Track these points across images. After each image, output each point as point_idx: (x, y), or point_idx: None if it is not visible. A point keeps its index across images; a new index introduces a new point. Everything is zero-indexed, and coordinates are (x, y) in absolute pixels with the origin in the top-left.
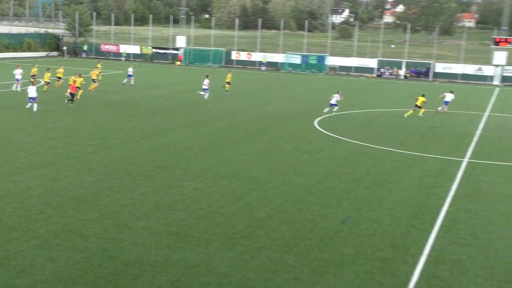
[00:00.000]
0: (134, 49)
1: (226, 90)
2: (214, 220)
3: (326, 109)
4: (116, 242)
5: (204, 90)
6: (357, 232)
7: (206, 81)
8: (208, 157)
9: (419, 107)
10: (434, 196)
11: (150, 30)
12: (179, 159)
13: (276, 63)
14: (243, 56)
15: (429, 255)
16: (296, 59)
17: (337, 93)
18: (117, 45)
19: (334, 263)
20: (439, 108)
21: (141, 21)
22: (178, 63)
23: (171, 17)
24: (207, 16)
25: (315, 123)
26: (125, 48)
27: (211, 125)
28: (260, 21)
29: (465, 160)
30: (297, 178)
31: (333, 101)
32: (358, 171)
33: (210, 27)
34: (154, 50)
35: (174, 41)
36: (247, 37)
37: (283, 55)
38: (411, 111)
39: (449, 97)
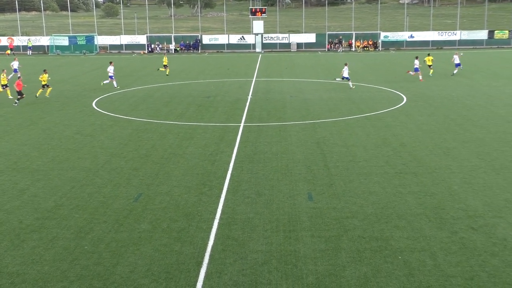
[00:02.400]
0: None
1: (164, 72)
2: None
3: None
4: None
5: (110, 77)
6: (151, 207)
7: (111, 68)
8: None
9: (430, 66)
10: (219, 162)
11: None
12: None
13: (43, 46)
14: (4, 41)
15: (221, 218)
16: (64, 41)
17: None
18: None
19: (132, 241)
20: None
21: None
22: (8, 51)
23: None
24: None
25: (94, 104)
26: None
27: None
28: (16, 2)
29: (242, 125)
30: (82, 162)
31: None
32: (144, 147)
33: None
34: None
35: None
36: (5, 21)
37: (49, 37)
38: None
39: (457, 59)
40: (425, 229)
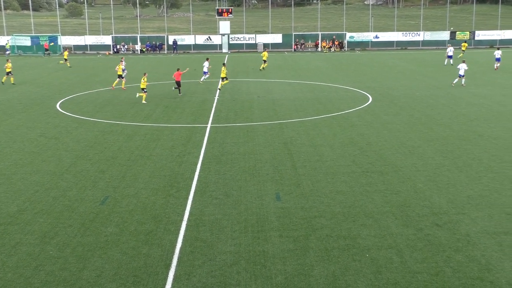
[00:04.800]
0: None
1: (262, 68)
2: None
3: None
4: None
5: (204, 73)
6: (118, 210)
7: (206, 63)
8: None
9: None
10: (186, 163)
11: None
12: None
13: (2, 46)
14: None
15: (189, 220)
16: (26, 41)
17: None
18: None
19: (99, 245)
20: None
21: None
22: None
23: None
24: None
25: (58, 106)
26: None
27: None
28: None
29: (209, 126)
30: (46, 166)
31: (205, 69)
32: (110, 149)
33: None
34: None
35: None
36: None
37: (10, 37)
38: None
39: (498, 53)
40: (392, 227)
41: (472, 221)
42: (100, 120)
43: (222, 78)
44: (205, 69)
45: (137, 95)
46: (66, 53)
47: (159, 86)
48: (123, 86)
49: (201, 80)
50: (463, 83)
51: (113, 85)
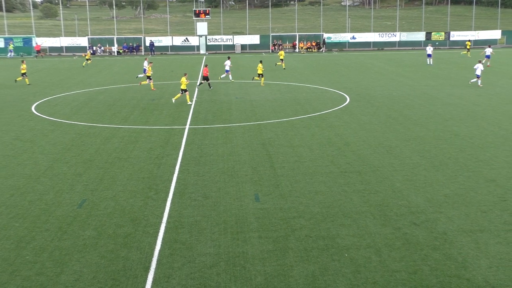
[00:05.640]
0: None
1: (281, 66)
2: None
3: (223, 75)
4: None
5: (226, 71)
6: (96, 213)
7: (228, 62)
8: None
9: (468, 50)
10: (165, 165)
11: None
12: None
13: None
14: None
15: (168, 222)
16: None
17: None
18: None
19: (77, 248)
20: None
21: None
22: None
23: None
24: None
25: (33, 108)
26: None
27: None
28: None
29: (187, 127)
30: (22, 169)
31: (226, 68)
32: (87, 152)
33: None
34: None
35: None
36: None
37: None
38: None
39: (488, 51)
40: (370, 226)
41: (449, 220)
42: (77, 122)
43: (259, 75)
44: (227, 68)
45: (174, 99)
46: (89, 53)
47: (137, 88)
48: (152, 87)
49: (230, 78)
50: (479, 84)
51: (152, 87)
